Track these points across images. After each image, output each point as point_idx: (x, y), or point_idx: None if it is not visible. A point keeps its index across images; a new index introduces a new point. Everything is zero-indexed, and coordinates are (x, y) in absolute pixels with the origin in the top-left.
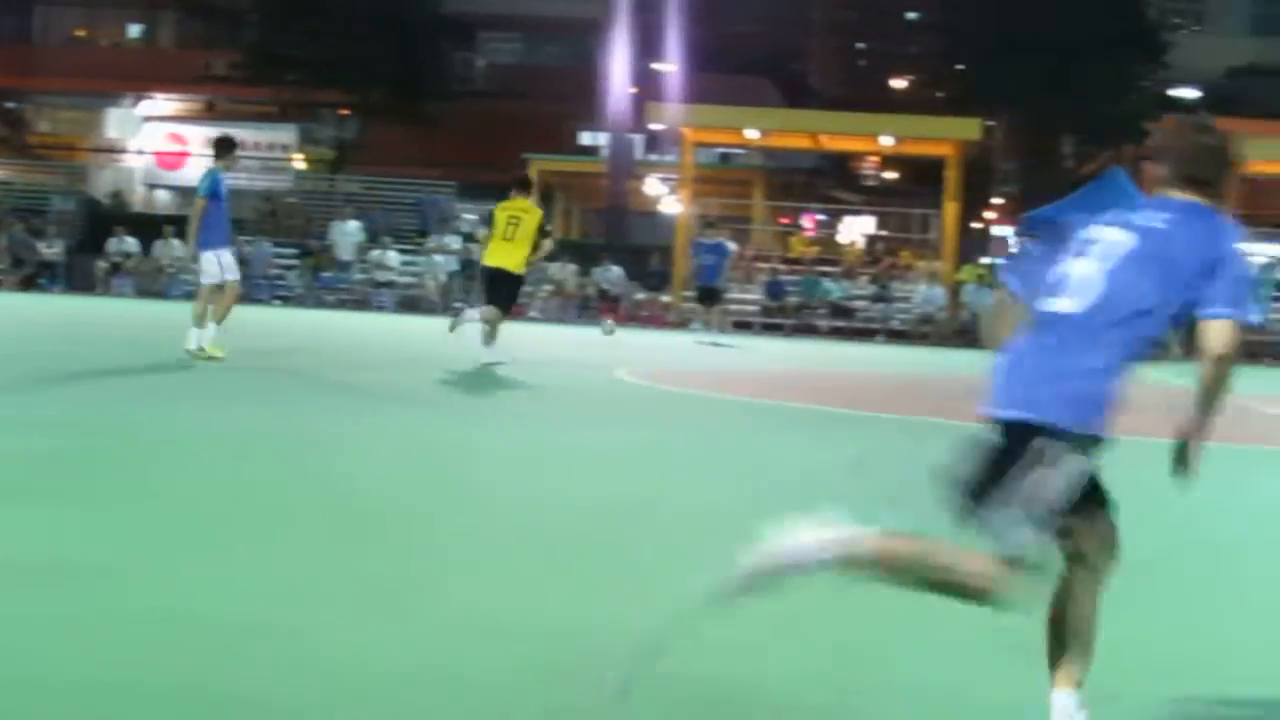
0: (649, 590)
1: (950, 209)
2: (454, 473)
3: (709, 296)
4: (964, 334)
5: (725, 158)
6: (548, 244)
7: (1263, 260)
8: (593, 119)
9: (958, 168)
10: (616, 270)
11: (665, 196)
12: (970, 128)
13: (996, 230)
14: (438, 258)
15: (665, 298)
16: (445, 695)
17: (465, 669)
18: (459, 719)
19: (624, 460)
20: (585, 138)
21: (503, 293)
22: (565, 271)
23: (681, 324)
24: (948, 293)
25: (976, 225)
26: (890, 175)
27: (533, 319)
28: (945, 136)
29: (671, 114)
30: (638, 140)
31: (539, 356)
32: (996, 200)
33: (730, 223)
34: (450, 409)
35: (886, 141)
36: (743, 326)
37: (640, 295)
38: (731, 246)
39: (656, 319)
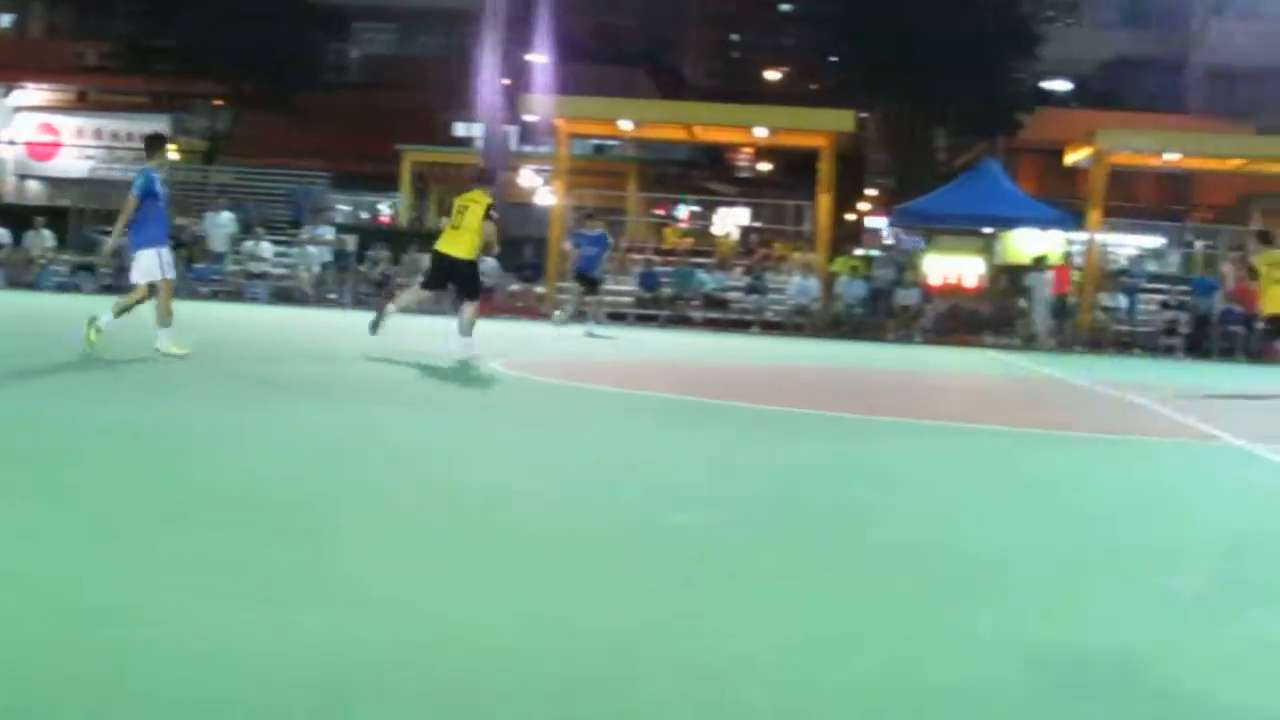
0: (516, 579)
1: (824, 201)
2: (336, 466)
3: (588, 284)
4: (838, 325)
5: (600, 149)
6: (487, 227)
7: (1132, 252)
8: (467, 110)
9: (831, 160)
10: (491, 261)
11: (540, 188)
12: (843, 120)
13: (871, 222)
14: (311, 249)
15: (539, 289)
16: (343, 682)
17: (368, 655)
18: (359, 705)
19: (499, 451)
20: (460, 129)
21: (456, 281)
22: None
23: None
24: (822, 284)
25: (850, 217)
26: (765, 167)
27: (404, 310)
28: (819, 128)
29: (546, 105)
30: (512, 131)
31: (414, 348)
32: (870, 192)
33: (605, 214)
34: (331, 401)
35: (760, 133)
36: (617, 317)
37: (515, 286)
38: (610, 244)
39: (531, 310)
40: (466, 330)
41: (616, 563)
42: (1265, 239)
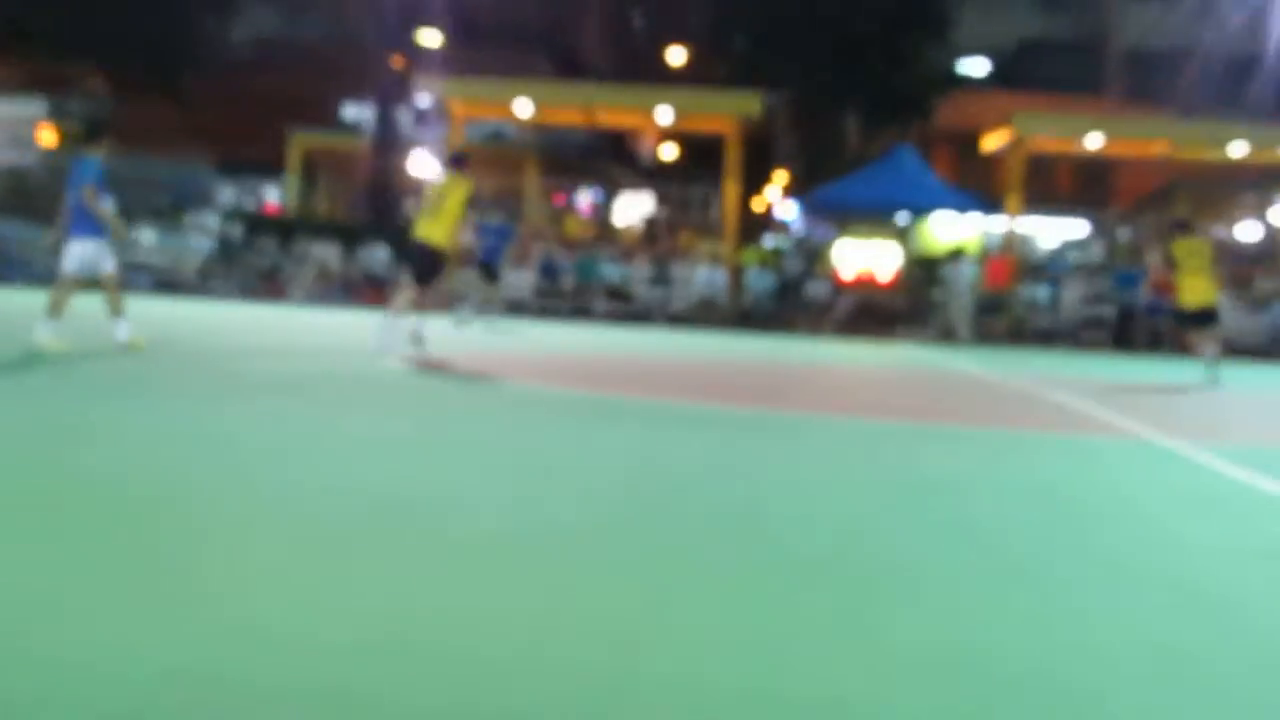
0: (413, 589)
1: (731, 188)
2: (215, 465)
3: (489, 274)
4: (746, 318)
5: (497, 135)
6: (468, 214)
7: (1053, 243)
8: (357, 93)
9: (738, 145)
10: (382, 251)
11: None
12: (750, 103)
13: (780, 210)
14: (194, 237)
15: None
16: (205, 698)
17: (229, 671)
18: None
19: (390, 451)
20: (350, 112)
21: (418, 262)
22: (328, 253)
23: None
24: (729, 276)
25: (759, 205)
26: (670, 154)
27: (294, 303)
28: (724, 112)
29: (438, 87)
30: (404, 115)
31: (302, 343)
32: (779, 178)
33: (503, 202)
34: (213, 398)
35: (664, 116)
36: (517, 308)
37: (408, 277)
38: (514, 235)
39: (427, 303)
40: (395, 313)
41: (491, 569)
42: (1182, 227)
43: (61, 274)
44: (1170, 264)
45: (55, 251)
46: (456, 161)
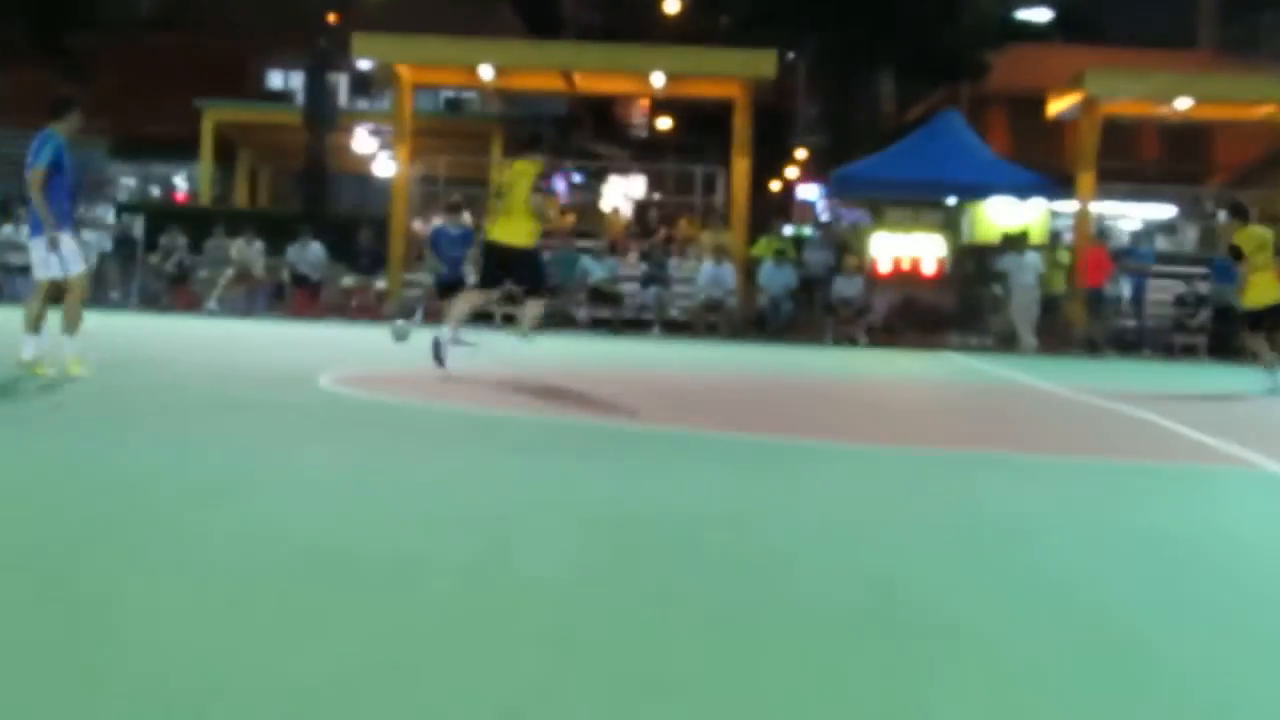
0: (337, 647)
1: (740, 166)
2: (123, 509)
3: (451, 292)
4: (761, 325)
5: (455, 104)
6: (535, 200)
7: (1135, 226)
8: (283, 57)
9: (748, 114)
10: (316, 249)
11: (378, 154)
12: (763, 62)
13: (801, 192)
14: (87, 234)
15: (380, 283)
16: None
17: None
18: None
19: (331, 492)
20: (275, 79)
21: (515, 275)
22: (251, 251)
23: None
24: (739, 272)
25: (775, 186)
26: (664, 124)
27: (210, 312)
28: (731, 74)
29: (384, 47)
30: (342, 82)
31: (221, 359)
32: (799, 154)
33: (462, 187)
34: (117, 430)
35: (658, 81)
36: (480, 317)
37: (348, 280)
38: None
39: (369, 310)
40: (527, 332)
41: (450, 637)
42: (1239, 213)
43: (40, 282)
44: (1236, 256)
45: (54, 248)
46: (531, 142)
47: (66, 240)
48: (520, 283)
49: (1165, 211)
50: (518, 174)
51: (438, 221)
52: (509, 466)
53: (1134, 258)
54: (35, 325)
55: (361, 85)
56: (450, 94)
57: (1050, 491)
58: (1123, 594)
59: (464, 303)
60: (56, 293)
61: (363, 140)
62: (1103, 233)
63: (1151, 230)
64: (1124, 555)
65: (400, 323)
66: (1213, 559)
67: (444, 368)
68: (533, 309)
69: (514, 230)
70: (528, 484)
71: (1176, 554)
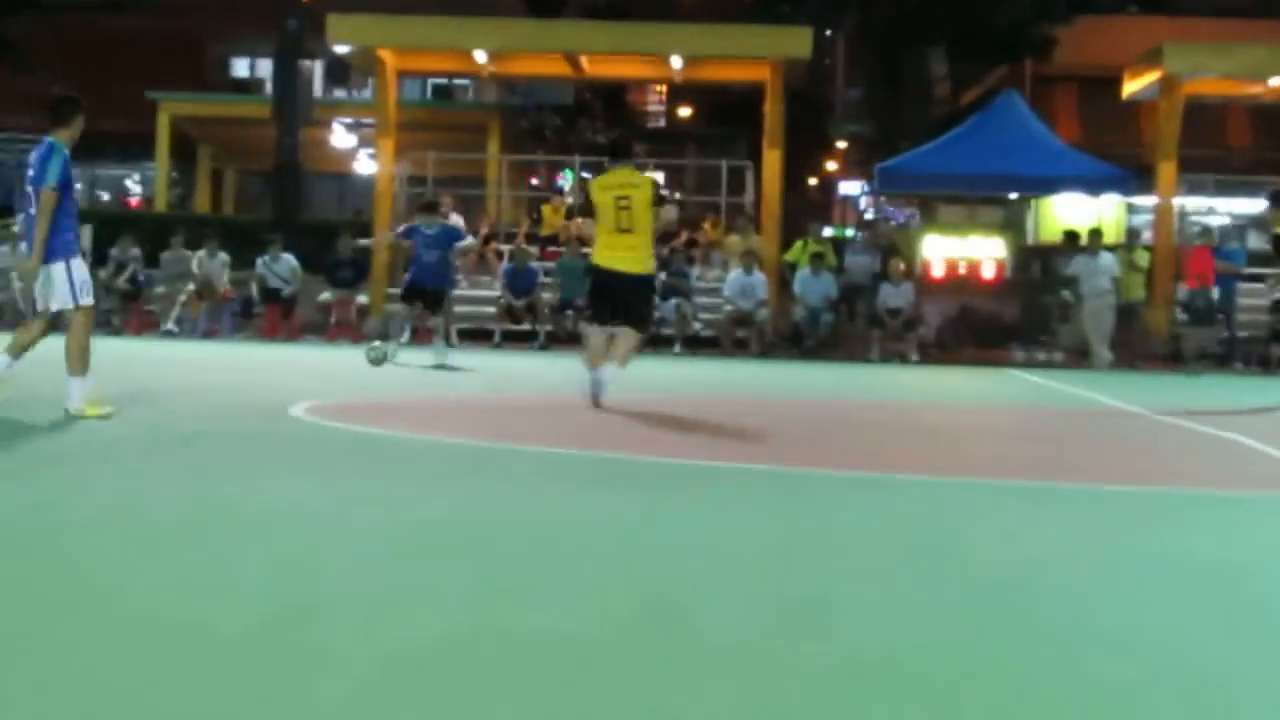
0: None
1: (771, 160)
2: (74, 552)
3: (432, 303)
4: (797, 340)
5: (445, 93)
6: (668, 212)
7: (1224, 222)
8: (250, 41)
9: (780, 99)
10: (289, 260)
11: (358, 152)
12: (796, 41)
13: (842, 189)
14: (25, 246)
15: (362, 298)
16: None
17: None
18: None
19: (303, 533)
20: (240, 67)
21: (625, 304)
22: (214, 264)
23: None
24: (772, 281)
25: (811, 182)
26: (684, 113)
27: (168, 333)
28: (760, 54)
29: (363, 29)
30: (316, 70)
31: (177, 387)
32: (839, 145)
33: (455, 187)
34: (67, 464)
35: (676, 64)
36: (476, 336)
37: (325, 295)
38: (465, 236)
39: (349, 330)
40: (622, 362)
41: (435, 696)
42: None
43: (41, 311)
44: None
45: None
46: (617, 151)
47: (79, 267)
48: (629, 316)
49: (1256, 205)
50: (628, 187)
51: (415, 222)
52: (505, 504)
53: (1222, 258)
54: (20, 352)
55: (339, 73)
56: (440, 82)
57: (1129, 524)
58: (1187, 635)
59: (594, 343)
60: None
61: (341, 136)
62: (1205, 230)
63: (1242, 227)
64: (1189, 593)
65: (377, 344)
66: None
67: (598, 406)
68: (628, 342)
69: (633, 257)
70: (526, 519)
71: (1252, 591)
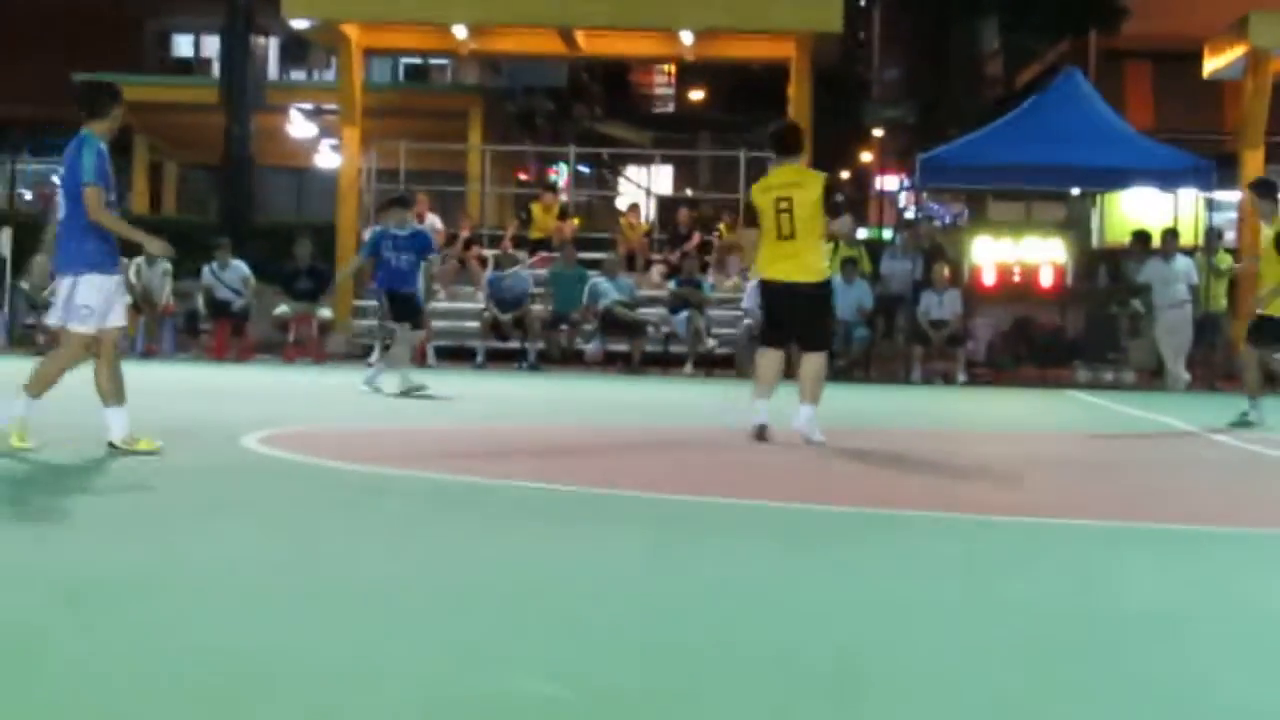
0: None
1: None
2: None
3: (405, 312)
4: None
5: (420, 74)
6: (842, 225)
7: None
8: (193, 15)
9: (807, 80)
10: (239, 268)
11: (320, 142)
12: (825, 11)
13: (878, 183)
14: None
15: (324, 312)
16: None
17: None
18: None
19: (261, 592)
20: (182, 45)
21: (801, 319)
22: (153, 272)
23: (356, 355)
24: None
25: (843, 176)
26: (696, 96)
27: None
28: (785, 28)
29: (323, 2)
30: (271, 48)
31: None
32: (875, 133)
33: (431, 182)
34: None
35: (687, 39)
36: (457, 356)
37: (282, 309)
38: (436, 250)
39: (310, 348)
40: (811, 396)
41: None
42: (1266, 190)
43: (76, 334)
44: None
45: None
46: (784, 144)
47: (88, 286)
48: (803, 334)
49: None
50: (791, 187)
51: (383, 223)
52: (479, 548)
53: None
54: (117, 394)
55: (296, 52)
56: (413, 61)
57: (1193, 570)
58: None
59: (809, 374)
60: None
61: (299, 124)
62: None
63: None
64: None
65: (375, 366)
66: None
67: (762, 439)
68: (812, 368)
69: (800, 264)
70: (513, 567)
71: None
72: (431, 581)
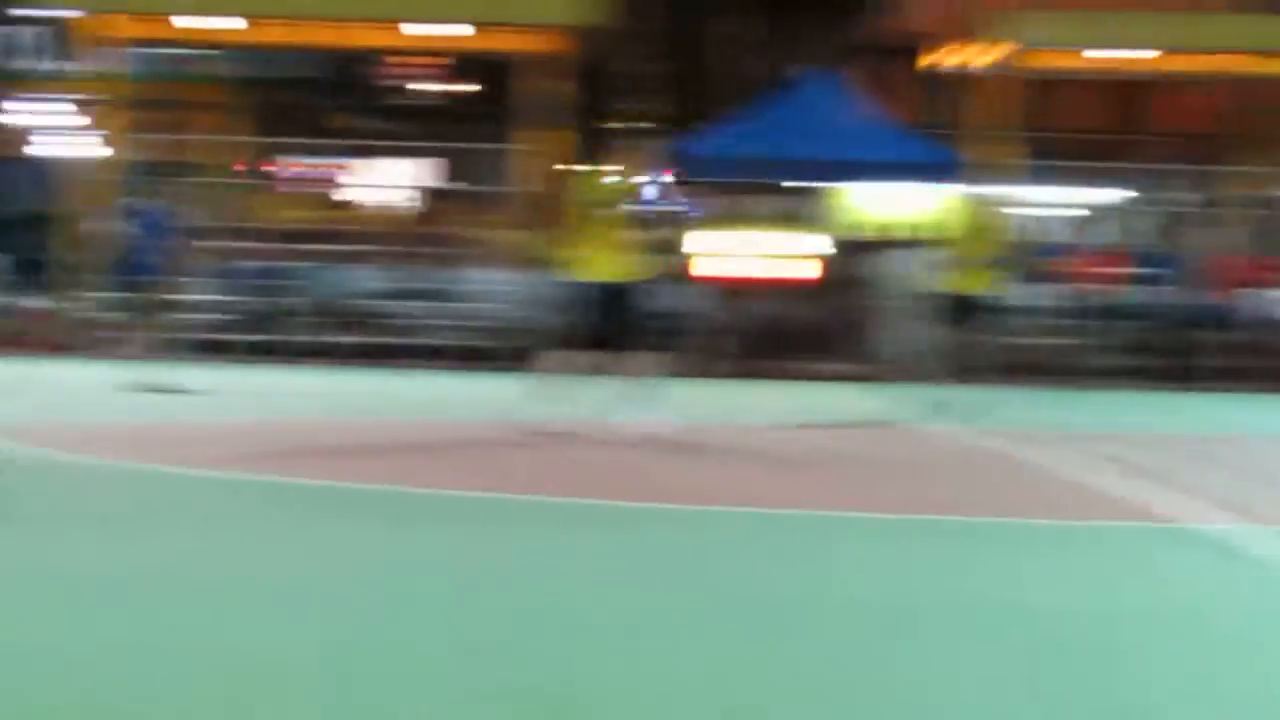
0: None
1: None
2: None
3: (138, 292)
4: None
5: (160, 63)
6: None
7: (1065, 213)
8: None
9: (569, 76)
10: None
11: (57, 132)
12: (586, 6)
13: (637, 174)
14: None
15: (63, 303)
16: None
17: None
18: None
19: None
20: None
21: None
22: None
23: (95, 347)
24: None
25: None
26: (436, 87)
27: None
28: (537, 20)
29: None
30: (18, 38)
31: None
32: (642, 125)
33: (171, 175)
34: None
35: (443, 31)
36: (204, 349)
37: (18, 300)
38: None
39: (46, 340)
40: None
41: None
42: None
43: None
44: None
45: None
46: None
47: None
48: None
49: (1105, 195)
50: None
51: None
52: (225, 545)
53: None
54: None
55: (42, 44)
56: (155, 49)
57: (933, 560)
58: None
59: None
60: None
61: (34, 113)
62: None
63: (1091, 218)
64: (1022, 637)
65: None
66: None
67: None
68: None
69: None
70: (291, 568)
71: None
72: (132, 565)
